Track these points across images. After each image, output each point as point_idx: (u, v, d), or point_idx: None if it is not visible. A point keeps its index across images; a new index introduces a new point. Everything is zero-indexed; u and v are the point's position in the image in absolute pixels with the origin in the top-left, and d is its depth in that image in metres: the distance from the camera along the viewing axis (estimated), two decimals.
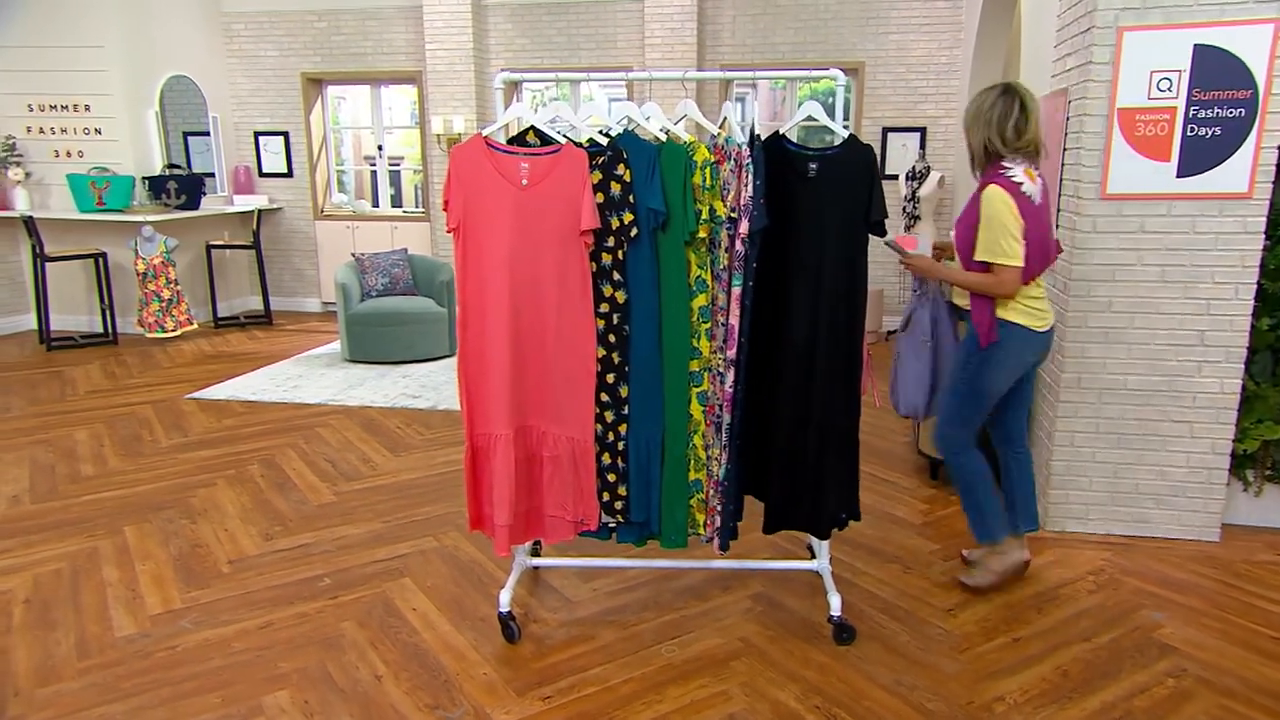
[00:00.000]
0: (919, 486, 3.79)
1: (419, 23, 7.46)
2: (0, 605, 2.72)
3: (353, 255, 6.45)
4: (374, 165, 8.58)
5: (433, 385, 5.43)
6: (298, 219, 8.13)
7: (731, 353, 2.38)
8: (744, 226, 2.28)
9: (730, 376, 2.39)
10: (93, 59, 6.69)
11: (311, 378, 5.61)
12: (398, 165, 10.22)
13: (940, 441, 2.85)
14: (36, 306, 6.60)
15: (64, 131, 6.85)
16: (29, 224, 6.30)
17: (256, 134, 8.00)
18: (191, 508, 3.50)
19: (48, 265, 6.48)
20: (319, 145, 8.08)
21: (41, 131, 6.87)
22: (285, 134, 7.96)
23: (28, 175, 6.77)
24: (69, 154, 6.88)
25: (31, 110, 6.84)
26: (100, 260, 6.63)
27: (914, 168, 6.67)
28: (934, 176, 6.77)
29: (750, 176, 2.26)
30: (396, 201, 9.02)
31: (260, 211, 7.62)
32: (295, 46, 7.76)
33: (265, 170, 8.07)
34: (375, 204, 8.59)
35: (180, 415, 4.79)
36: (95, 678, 2.34)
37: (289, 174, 8.04)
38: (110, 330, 6.72)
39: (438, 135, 7.43)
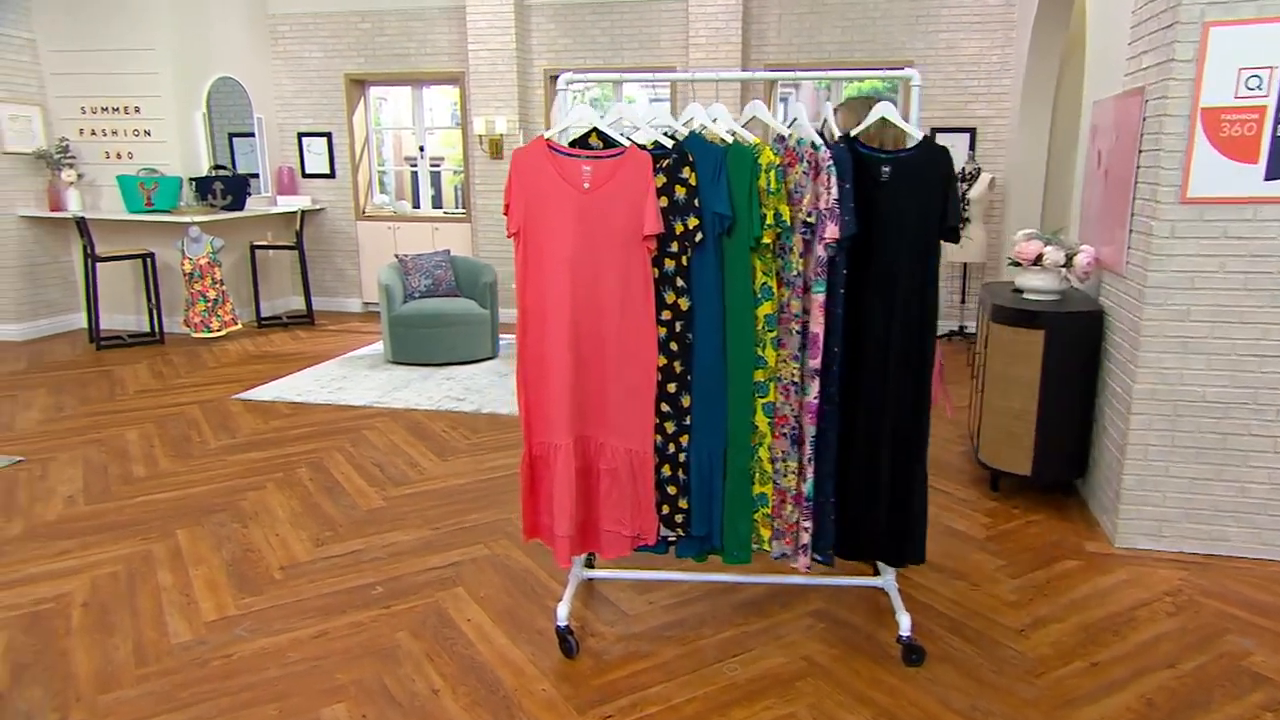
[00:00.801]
0: (979, 499, 3.67)
1: (462, 23, 7.45)
2: (60, 608, 2.73)
3: (396, 256, 6.45)
4: (414, 166, 8.61)
5: (476, 388, 5.40)
6: (340, 219, 8.17)
7: (815, 362, 2.30)
8: (830, 230, 2.19)
9: (814, 387, 2.31)
10: (144, 61, 6.77)
11: (355, 379, 5.61)
12: (438, 166, 10.24)
13: None
14: (87, 306, 6.69)
15: (115, 133, 6.94)
16: (81, 225, 6.38)
17: (300, 135, 8.05)
18: (242, 511, 3.50)
19: (98, 265, 6.57)
20: (361, 146, 8.11)
21: (94, 134, 6.97)
22: (328, 135, 8.00)
23: (80, 177, 6.87)
24: (119, 155, 6.97)
25: (84, 112, 6.94)
26: (148, 260, 6.70)
27: (963, 169, 6.52)
28: (984, 178, 6.62)
29: (834, 180, 2.17)
30: (437, 202, 9.03)
31: (303, 212, 7.67)
32: (339, 48, 7.80)
33: (308, 171, 8.11)
34: (416, 205, 8.61)
35: (228, 416, 4.81)
36: (154, 685, 2.32)
37: (331, 175, 8.08)
38: (157, 330, 6.80)
39: (480, 136, 7.42)
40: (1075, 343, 3.45)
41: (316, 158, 8.07)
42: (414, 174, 9.38)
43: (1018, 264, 3.69)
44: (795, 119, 2.42)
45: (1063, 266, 3.59)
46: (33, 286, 6.86)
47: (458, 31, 7.51)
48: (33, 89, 6.80)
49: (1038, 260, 3.62)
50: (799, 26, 7.02)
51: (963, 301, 7.11)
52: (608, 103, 8.75)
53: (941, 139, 6.90)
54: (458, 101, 7.91)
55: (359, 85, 7.99)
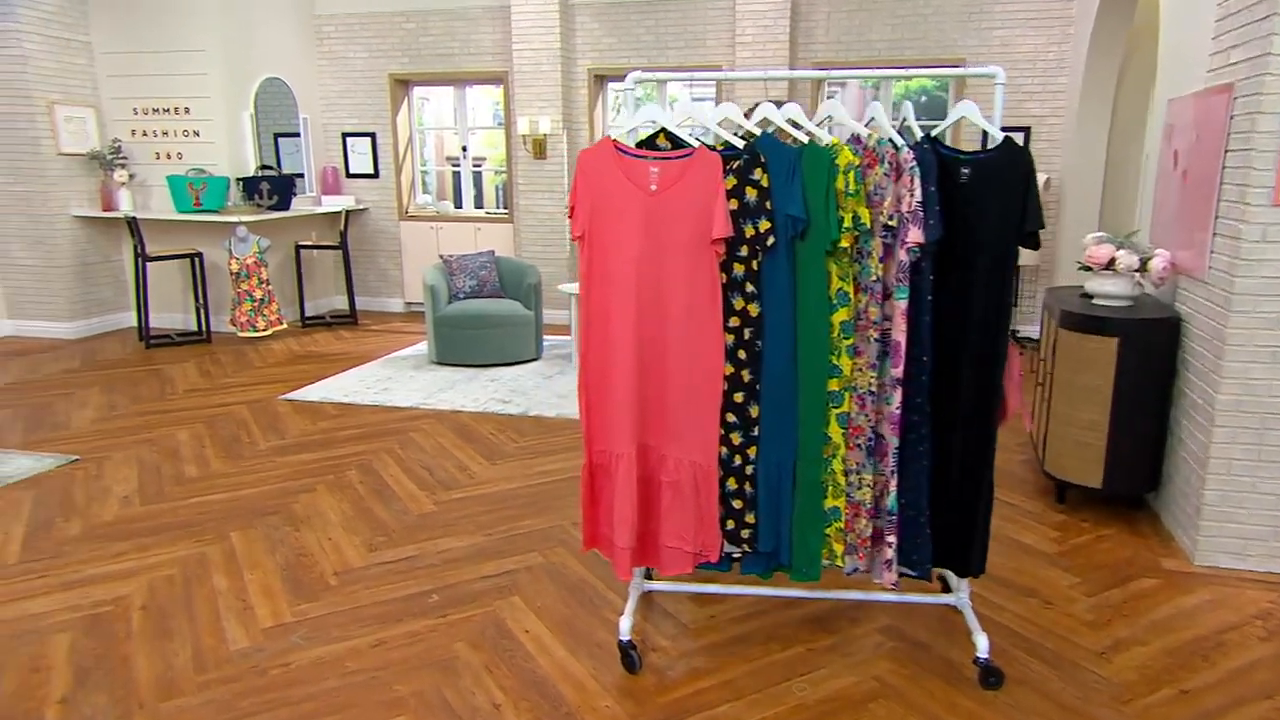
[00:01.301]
0: (1045, 511, 3.54)
1: (506, 23, 7.42)
2: (119, 610, 2.72)
3: (441, 257, 6.44)
4: (456, 166, 8.60)
5: (521, 390, 5.36)
6: (383, 219, 8.19)
7: (898, 371, 2.21)
8: (913, 234, 2.10)
9: (897, 397, 2.22)
10: (194, 63, 6.83)
11: (401, 380, 5.60)
12: (479, 166, 10.25)
13: None
14: (137, 305, 6.77)
15: (165, 134, 7.02)
16: (132, 224, 6.46)
17: (344, 135, 8.08)
18: (294, 514, 3.48)
19: (148, 265, 6.64)
20: (405, 146, 8.12)
21: (145, 134, 7.04)
22: (372, 135, 8.02)
23: (131, 177, 6.95)
24: (169, 155, 7.04)
25: (136, 114, 7.02)
26: (196, 260, 6.76)
27: None
28: (1040, 179, 6.43)
29: (918, 181, 2.08)
30: (478, 202, 9.03)
31: (348, 212, 7.70)
32: (384, 48, 7.82)
33: (352, 171, 8.15)
34: (458, 205, 8.61)
35: (276, 416, 4.82)
36: (214, 693, 2.30)
37: (375, 175, 8.11)
38: (204, 329, 6.86)
39: (523, 136, 7.38)
40: (1150, 351, 3.31)
41: (360, 158, 8.10)
42: (455, 174, 9.39)
43: (1088, 268, 3.56)
44: (873, 118, 2.33)
45: (1136, 271, 3.45)
46: (85, 285, 6.95)
47: (502, 31, 7.49)
48: (88, 91, 6.89)
49: (1110, 265, 3.48)
50: (848, 24, 6.89)
51: (1015, 305, 6.93)
52: (652, 102, 8.68)
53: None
54: (500, 101, 7.89)
55: (403, 85, 8.00)
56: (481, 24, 7.55)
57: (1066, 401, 3.49)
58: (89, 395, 5.22)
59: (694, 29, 7.17)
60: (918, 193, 2.09)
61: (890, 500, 2.32)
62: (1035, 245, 2.29)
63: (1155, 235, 3.77)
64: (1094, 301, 3.57)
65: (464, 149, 8.24)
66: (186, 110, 6.94)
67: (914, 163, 2.10)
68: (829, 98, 7.83)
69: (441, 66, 7.74)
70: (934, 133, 2.33)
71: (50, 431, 4.53)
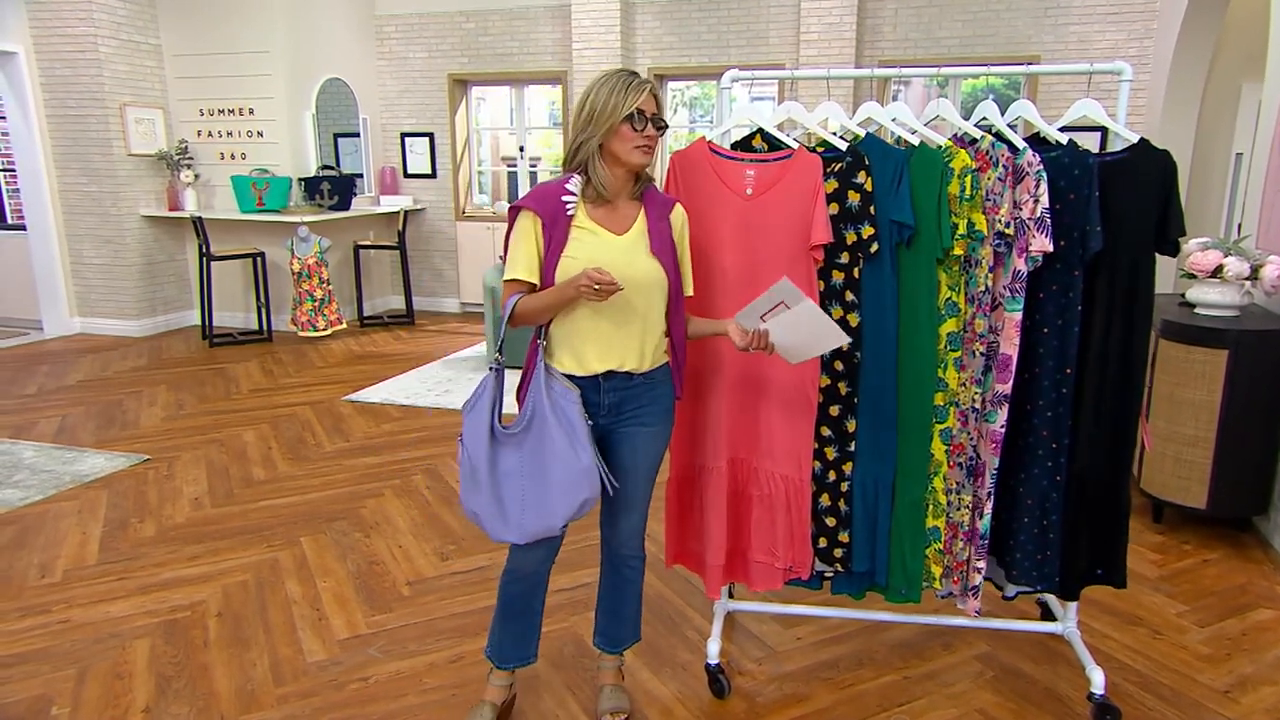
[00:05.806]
0: (1142, 531, 3.35)
1: (566, 22, 7.37)
2: (196, 616, 2.69)
3: (500, 258, 6.40)
4: (513, 167, 8.58)
5: None
6: (439, 220, 8.20)
7: (1005, 387, 2.07)
8: (1037, 242, 1.97)
9: (1001, 415, 2.09)
10: (258, 64, 6.89)
11: (461, 382, 5.57)
12: (535, 166, 10.23)
13: (640, 541, 2.16)
14: (201, 303, 6.86)
15: (229, 134, 7.10)
16: (198, 224, 6.53)
17: (403, 135, 8.10)
18: (363, 519, 3.44)
19: (211, 264, 6.71)
20: (462, 146, 8.12)
21: (210, 135, 7.13)
22: (430, 135, 8.03)
23: (196, 177, 7.04)
24: (233, 156, 7.12)
25: (202, 115, 7.11)
26: (258, 259, 6.82)
27: None
28: None
29: (1044, 187, 1.95)
30: None
31: (406, 212, 7.71)
32: (443, 48, 7.82)
33: (410, 171, 8.16)
34: None
35: (339, 418, 4.81)
36: (293, 708, 2.25)
37: (433, 175, 8.12)
38: (265, 328, 6.92)
39: None
40: (1263, 364, 3.11)
41: (418, 158, 8.12)
42: (511, 174, 9.38)
43: (1192, 275, 3.36)
44: (985, 117, 2.20)
45: (1246, 279, 3.25)
46: (151, 284, 7.06)
47: (562, 30, 7.43)
48: (156, 93, 7.00)
49: (1216, 272, 3.28)
50: (916, 20, 6.69)
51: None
52: (707, 102, 8.58)
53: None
54: (558, 101, 7.84)
55: (461, 85, 7.99)
56: (542, 23, 7.51)
57: (1166, 416, 3.30)
58: (157, 393, 5.28)
59: (756, 27, 7.04)
60: (1043, 199, 1.96)
61: (984, 524, 2.18)
62: (1175, 252, 2.13)
63: (1265, 241, 3.56)
64: (1197, 311, 3.37)
65: (521, 149, 8.21)
66: (250, 111, 7.01)
67: (1040, 167, 1.97)
68: (894, 97, 7.62)
69: (500, 66, 7.72)
70: (1051, 129, 2.18)
71: (121, 430, 4.57)
